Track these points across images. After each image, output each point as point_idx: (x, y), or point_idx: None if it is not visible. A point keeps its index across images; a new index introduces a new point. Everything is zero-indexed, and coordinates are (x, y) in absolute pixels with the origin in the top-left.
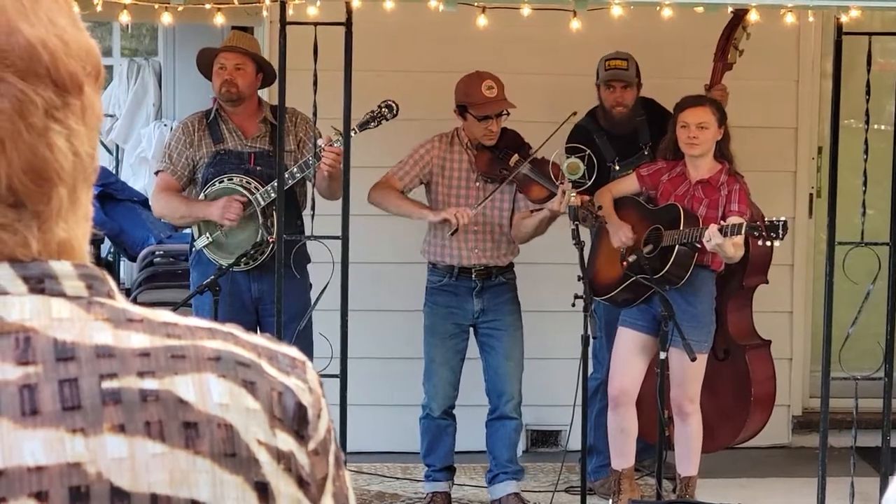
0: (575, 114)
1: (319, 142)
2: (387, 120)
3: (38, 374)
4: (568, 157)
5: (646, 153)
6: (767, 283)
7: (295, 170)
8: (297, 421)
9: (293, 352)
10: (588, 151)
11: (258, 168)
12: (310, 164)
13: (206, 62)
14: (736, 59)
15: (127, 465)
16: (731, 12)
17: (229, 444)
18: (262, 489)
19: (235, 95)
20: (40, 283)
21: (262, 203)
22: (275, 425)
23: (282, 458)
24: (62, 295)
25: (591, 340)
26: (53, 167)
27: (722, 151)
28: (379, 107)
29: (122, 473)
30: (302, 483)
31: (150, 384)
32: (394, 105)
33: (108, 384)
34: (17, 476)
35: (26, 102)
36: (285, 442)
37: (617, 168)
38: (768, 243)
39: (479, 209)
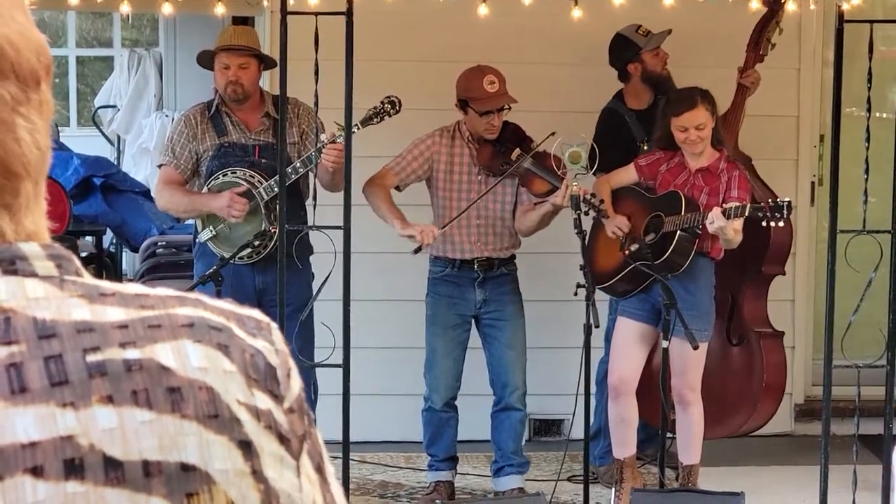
0: (553, 133)
1: (322, 137)
2: (389, 116)
3: (23, 352)
4: (570, 147)
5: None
6: (784, 274)
7: (298, 164)
8: (270, 380)
9: (257, 314)
10: (590, 141)
11: (263, 161)
12: (313, 158)
13: (206, 57)
14: (768, 51)
15: (118, 434)
16: (764, 6)
17: (212, 405)
18: (246, 447)
19: (242, 94)
20: (12, 265)
21: (266, 197)
22: (251, 385)
23: (261, 416)
24: (34, 275)
25: (603, 325)
26: (21, 161)
27: (717, 137)
28: (382, 102)
29: (113, 443)
30: (283, 440)
31: (132, 354)
32: (396, 101)
33: (92, 357)
34: (12, 453)
35: None
36: (263, 401)
37: (645, 148)
38: (773, 224)
39: (445, 230)
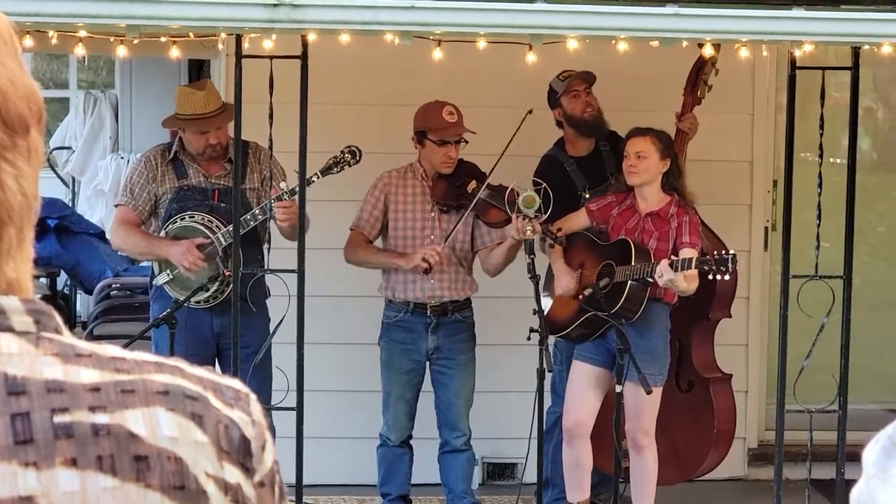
0: (531, 111)
1: (283, 185)
2: (349, 165)
3: None
4: (524, 191)
5: (612, 182)
6: (731, 317)
7: (257, 212)
8: (242, 453)
9: (237, 384)
10: (544, 185)
11: (222, 205)
12: (269, 206)
13: (173, 121)
14: (705, 94)
15: (78, 498)
16: (699, 46)
17: (178, 476)
18: None
19: (220, 151)
20: None
21: (224, 244)
22: (222, 458)
23: (229, 489)
24: (10, 330)
25: (549, 374)
26: (4, 207)
27: (671, 184)
28: (342, 152)
29: None
30: None
31: (101, 418)
32: (357, 151)
33: (60, 418)
34: None
35: None
36: (232, 474)
37: (587, 196)
38: (718, 277)
39: (447, 243)
